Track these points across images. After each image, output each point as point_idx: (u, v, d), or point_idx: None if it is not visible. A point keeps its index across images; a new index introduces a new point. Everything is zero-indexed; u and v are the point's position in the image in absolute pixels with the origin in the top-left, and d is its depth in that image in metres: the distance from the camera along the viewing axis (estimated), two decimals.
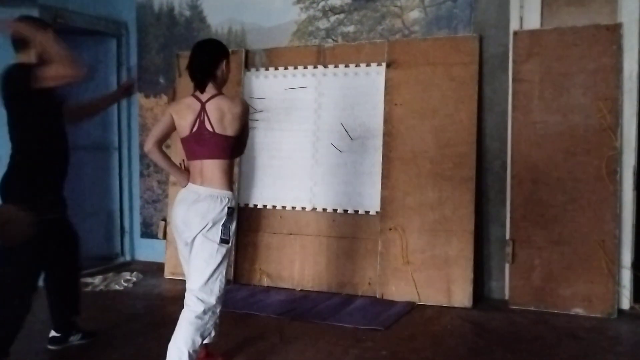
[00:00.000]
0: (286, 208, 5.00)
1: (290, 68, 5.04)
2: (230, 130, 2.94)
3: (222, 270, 2.93)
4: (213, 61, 2.99)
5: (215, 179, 2.93)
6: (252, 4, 5.39)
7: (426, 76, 4.61)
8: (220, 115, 2.91)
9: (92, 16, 5.51)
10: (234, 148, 3.02)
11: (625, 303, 4.26)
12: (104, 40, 5.77)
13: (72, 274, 3.64)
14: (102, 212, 5.89)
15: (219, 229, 2.89)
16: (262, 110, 5.06)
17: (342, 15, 5.07)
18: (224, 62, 3.02)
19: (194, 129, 2.93)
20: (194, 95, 2.99)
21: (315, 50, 4.99)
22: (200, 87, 2.98)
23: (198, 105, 2.94)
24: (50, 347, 3.59)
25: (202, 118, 2.92)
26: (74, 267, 3.65)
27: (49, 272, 3.53)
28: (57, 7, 5.09)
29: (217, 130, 2.91)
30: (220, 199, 2.92)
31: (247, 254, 5.09)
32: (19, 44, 3.25)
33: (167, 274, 5.31)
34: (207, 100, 2.94)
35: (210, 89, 2.98)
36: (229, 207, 2.93)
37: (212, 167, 2.94)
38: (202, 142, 2.93)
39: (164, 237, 5.52)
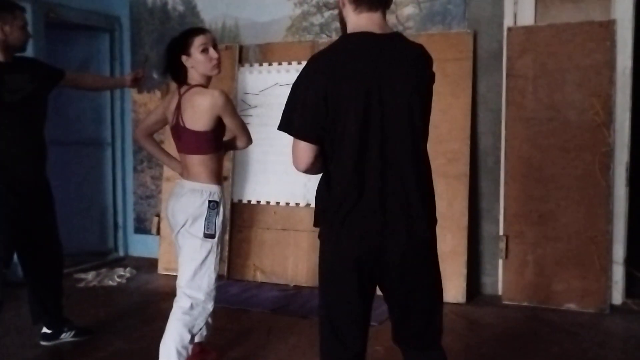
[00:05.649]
0: (280, 204, 4.99)
1: (284, 63, 5.03)
2: (200, 125, 2.80)
3: (210, 265, 2.87)
4: (174, 54, 2.89)
5: (197, 173, 2.87)
6: None
7: None
8: (190, 109, 2.81)
9: (85, 11, 5.48)
10: (210, 143, 2.86)
11: (618, 298, 4.28)
12: (97, 35, 5.73)
13: (54, 270, 3.60)
14: (95, 208, 5.87)
15: (201, 224, 2.83)
16: (256, 106, 5.05)
17: (336, 11, 5.04)
18: (191, 48, 2.85)
19: (173, 123, 2.90)
20: (177, 88, 2.93)
21: (310, 45, 4.98)
22: (174, 80, 2.93)
23: (177, 98, 2.89)
24: (42, 343, 3.58)
25: (179, 111, 2.86)
26: (57, 264, 3.62)
27: (30, 269, 3.51)
28: (50, 1, 5.06)
29: (188, 125, 2.82)
30: (202, 192, 2.85)
31: (240, 249, 5.08)
32: None
33: (161, 270, 5.29)
34: (184, 93, 2.87)
35: (191, 81, 2.88)
36: (210, 201, 2.84)
37: (193, 162, 2.87)
38: (179, 137, 2.90)
39: (158, 232, 5.50)
